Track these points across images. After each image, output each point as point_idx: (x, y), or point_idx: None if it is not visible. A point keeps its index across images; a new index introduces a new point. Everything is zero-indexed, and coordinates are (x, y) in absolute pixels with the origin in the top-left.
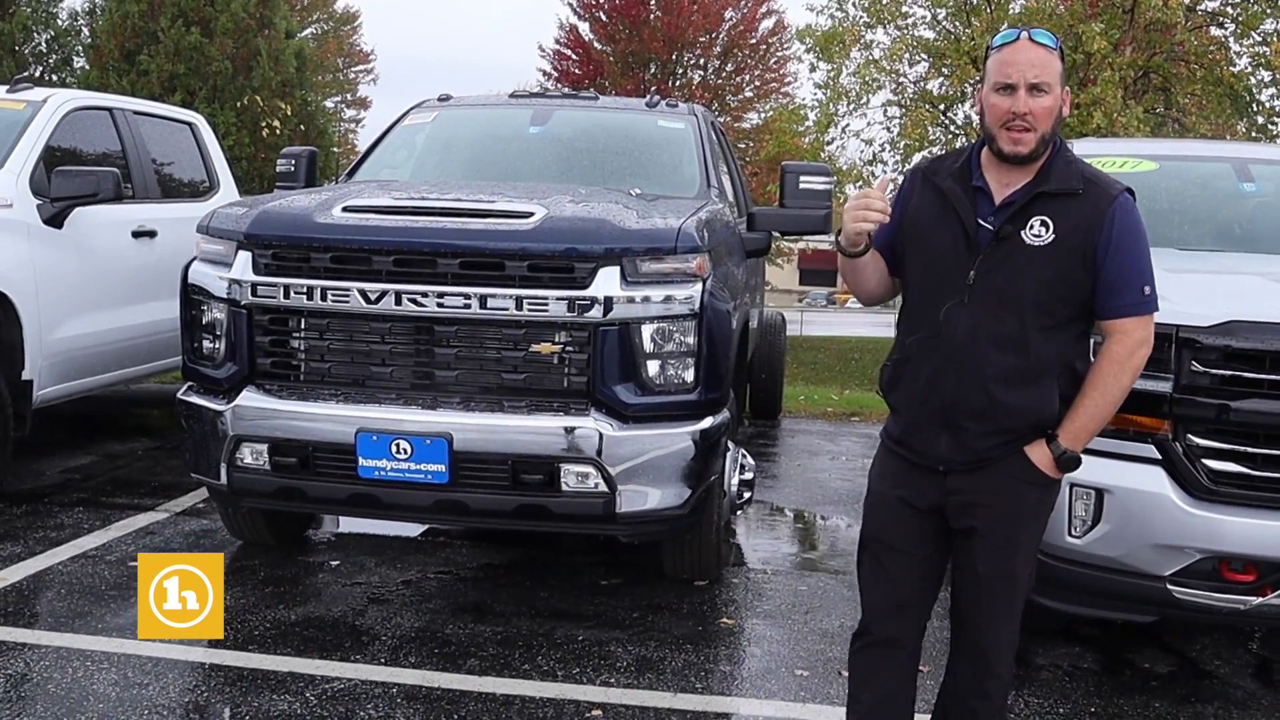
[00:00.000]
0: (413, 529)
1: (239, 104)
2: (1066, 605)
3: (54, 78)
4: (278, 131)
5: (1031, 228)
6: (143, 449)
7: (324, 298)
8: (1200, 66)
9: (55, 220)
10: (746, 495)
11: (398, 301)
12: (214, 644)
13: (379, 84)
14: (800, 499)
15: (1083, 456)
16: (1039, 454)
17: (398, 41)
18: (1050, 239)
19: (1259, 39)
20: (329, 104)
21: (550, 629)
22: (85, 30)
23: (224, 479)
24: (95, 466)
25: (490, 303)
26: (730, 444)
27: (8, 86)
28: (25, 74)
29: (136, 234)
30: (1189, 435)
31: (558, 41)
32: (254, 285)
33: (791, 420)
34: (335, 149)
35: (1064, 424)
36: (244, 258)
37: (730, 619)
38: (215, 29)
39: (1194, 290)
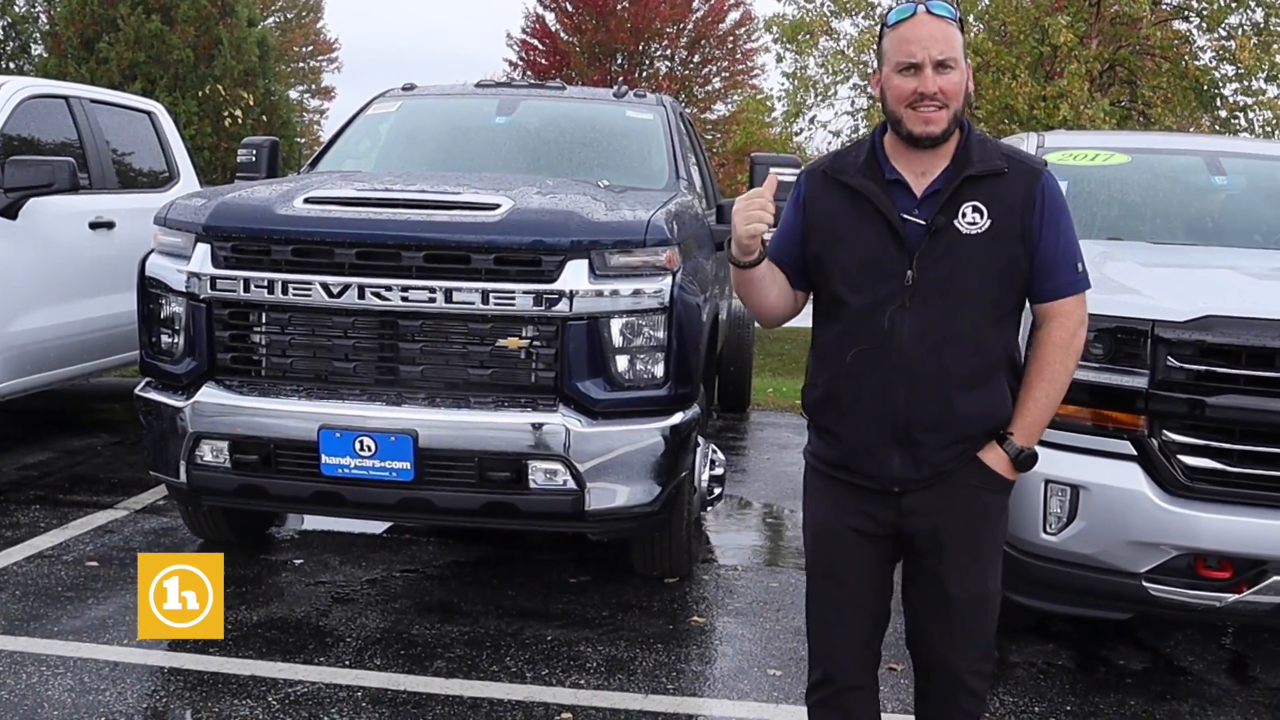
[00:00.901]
0: (378, 526)
1: (200, 93)
2: (1041, 602)
3: (11, 65)
4: (240, 121)
5: (964, 215)
6: (102, 444)
7: (285, 291)
8: (1166, 60)
9: (9, 211)
10: (717, 491)
11: (361, 295)
12: (173, 646)
13: (343, 73)
14: (770, 493)
15: (1059, 454)
16: (994, 457)
17: (362, 30)
18: (986, 224)
19: (1224, 34)
20: (293, 94)
21: (518, 629)
22: (43, 17)
23: (183, 477)
24: (53, 463)
25: (456, 296)
26: (701, 439)
27: None
28: None
29: (94, 225)
30: (1165, 431)
31: (524, 31)
32: (213, 279)
33: (760, 413)
34: (299, 139)
35: (1015, 421)
36: (203, 250)
37: (701, 617)
38: (176, 17)
39: (1168, 284)
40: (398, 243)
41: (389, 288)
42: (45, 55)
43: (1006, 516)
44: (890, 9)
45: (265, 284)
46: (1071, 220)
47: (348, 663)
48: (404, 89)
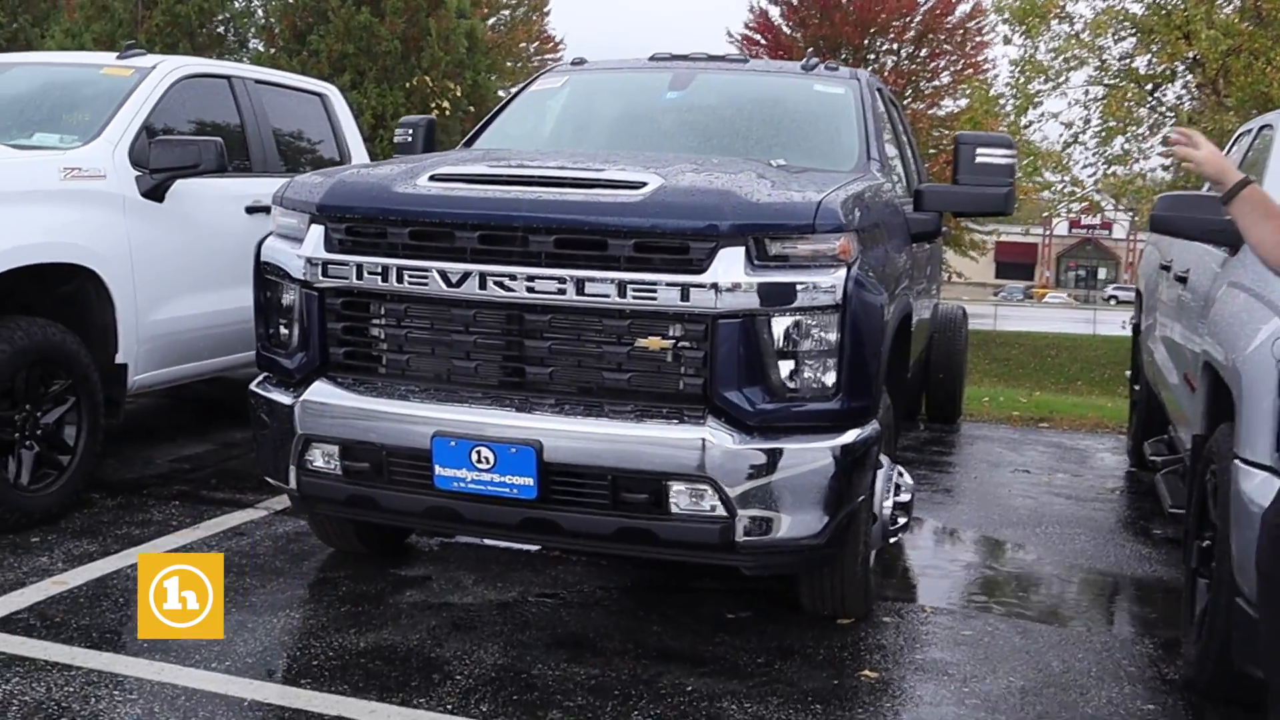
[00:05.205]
0: None
1: (408, 84)
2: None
3: (231, 59)
4: (447, 113)
5: None
6: None
7: (400, 279)
8: None
9: (155, 193)
10: (902, 520)
11: (482, 285)
12: (270, 674)
13: None
14: (975, 519)
15: None
16: None
17: (585, 28)
18: None
19: None
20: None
21: (655, 674)
22: (260, 11)
23: (294, 483)
24: (208, 456)
25: (589, 288)
26: (885, 460)
27: (118, 54)
28: (134, 42)
29: (251, 209)
30: None
31: (747, 26)
32: (325, 264)
33: (972, 425)
34: None
35: None
36: (316, 232)
37: (874, 671)
38: (386, 9)
39: None
40: (524, 224)
41: (514, 276)
42: (261, 49)
43: None
44: None
45: (379, 270)
46: None
47: (450, 707)
48: (573, 64)
